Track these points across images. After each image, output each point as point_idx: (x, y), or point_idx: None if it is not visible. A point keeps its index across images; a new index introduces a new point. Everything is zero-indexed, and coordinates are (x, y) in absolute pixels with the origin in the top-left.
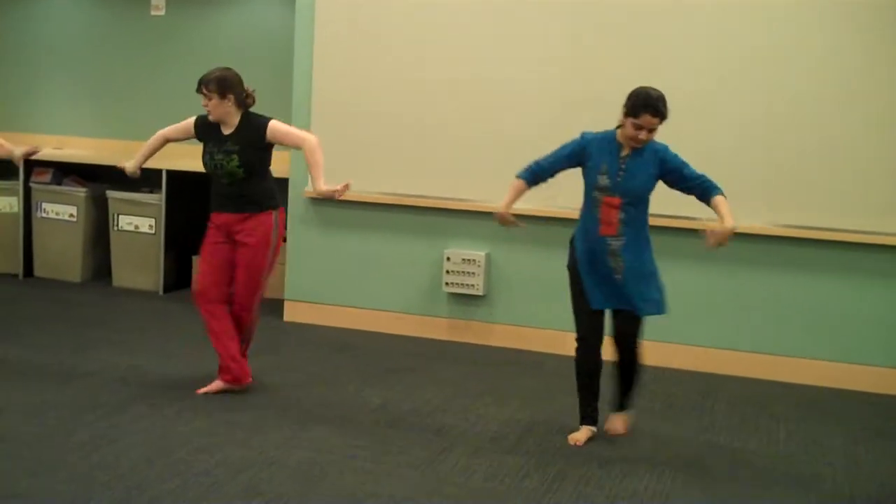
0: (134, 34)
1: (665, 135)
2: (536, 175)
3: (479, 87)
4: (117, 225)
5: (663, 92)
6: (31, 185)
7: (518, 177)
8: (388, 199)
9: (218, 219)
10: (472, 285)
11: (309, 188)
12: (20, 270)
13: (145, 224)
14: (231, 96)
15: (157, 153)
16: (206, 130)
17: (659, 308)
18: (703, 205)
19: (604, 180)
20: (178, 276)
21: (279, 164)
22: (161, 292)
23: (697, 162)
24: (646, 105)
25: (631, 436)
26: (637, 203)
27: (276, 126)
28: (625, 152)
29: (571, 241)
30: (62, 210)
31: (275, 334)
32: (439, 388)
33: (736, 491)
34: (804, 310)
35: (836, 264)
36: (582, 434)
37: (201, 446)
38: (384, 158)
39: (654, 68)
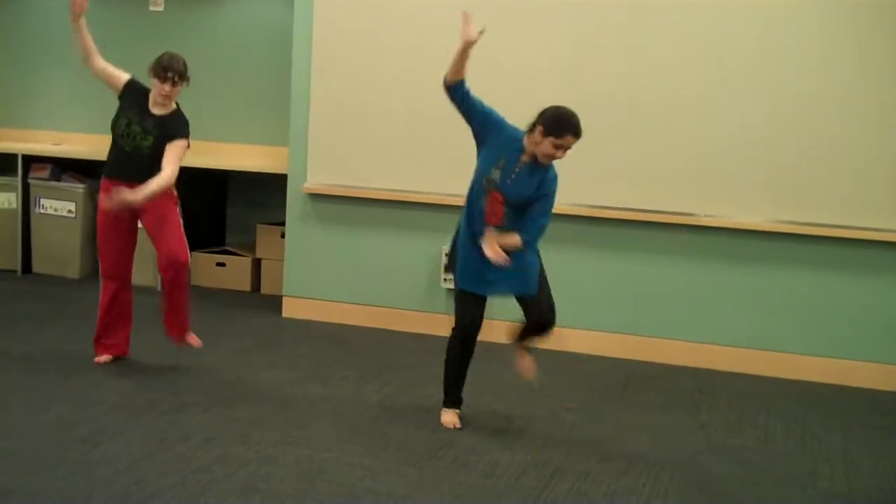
0: (133, 30)
1: (667, 134)
2: (459, 91)
3: (478, 84)
4: None
5: (665, 91)
6: (30, 180)
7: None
8: (387, 195)
9: (112, 185)
10: None
11: (308, 184)
12: (18, 266)
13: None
14: (184, 84)
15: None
16: (134, 97)
17: (532, 289)
18: (699, 200)
19: (495, 174)
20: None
21: (277, 161)
22: (159, 288)
23: (699, 160)
24: (570, 127)
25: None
26: (519, 210)
27: (176, 143)
28: (525, 158)
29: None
30: (60, 206)
31: (273, 330)
32: (438, 384)
33: (733, 488)
34: (802, 306)
35: (836, 261)
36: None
37: (200, 442)
38: (383, 154)
39: (655, 68)
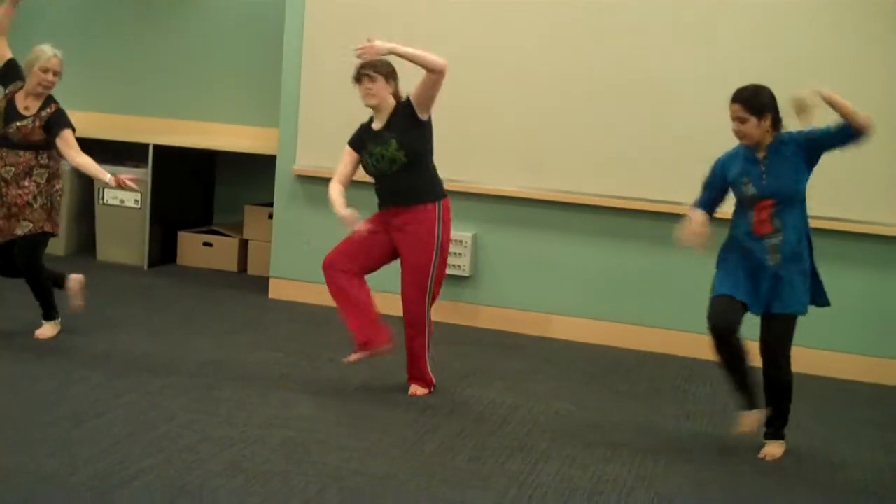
0: (123, 8)
1: (655, 122)
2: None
3: (469, 67)
4: (102, 199)
5: (654, 79)
6: None
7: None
8: None
9: (376, 216)
10: (459, 266)
11: (297, 165)
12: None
13: (131, 198)
14: (393, 83)
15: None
16: (361, 140)
17: (802, 307)
18: (687, 188)
19: (750, 189)
20: (162, 251)
21: (266, 141)
22: (146, 267)
23: (692, 149)
24: (732, 97)
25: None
26: (789, 202)
27: (413, 90)
28: (761, 154)
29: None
30: None
31: (259, 312)
32: None
33: (718, 475)
34: None
35: (825, 252)
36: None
37: (185, 422)
38: None
39: (643, 55)
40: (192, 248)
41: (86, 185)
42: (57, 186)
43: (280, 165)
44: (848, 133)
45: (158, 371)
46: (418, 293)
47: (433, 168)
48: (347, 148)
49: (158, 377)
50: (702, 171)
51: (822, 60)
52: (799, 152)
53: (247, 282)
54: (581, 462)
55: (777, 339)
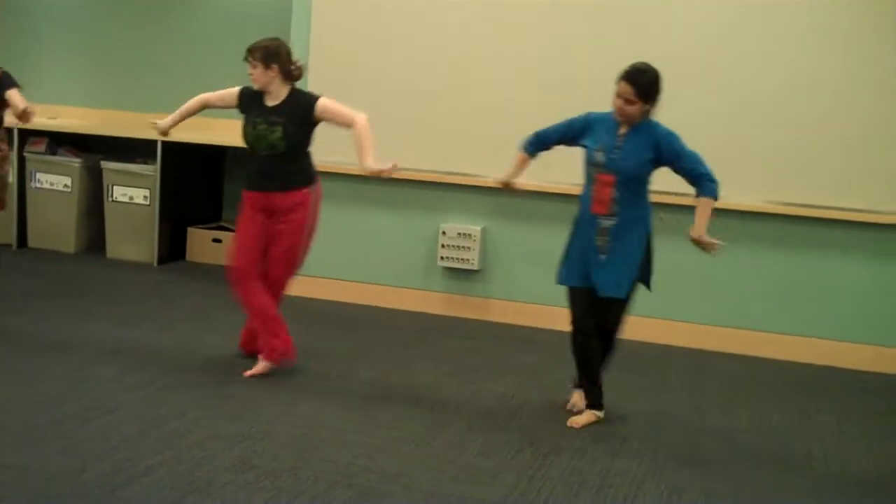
0: (130, 3)
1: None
2: (537, 144)
3: (477, 62)
4: (112, 196)
5: (658, 68)
6: (25, 154)
7: (520, 149)
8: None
9: (252, 197)
10: (468, 260)
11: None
12: (14, 241)
13: (140, 195)
14: (275, 66)
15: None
16: (249, 101)
17: (618, 290)
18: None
19: (600, 156)
20: (172, 248)
21: None
22: (155, 264)
23: (695, 141)
24: (623, 72)
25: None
26: (629, 183)
27: (326, 103)
28: (622, 130)
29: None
30: (56, 180)
31: None
32: (433, 362)
33: (727, 468)
34: (797, 287)
35: (830, 242)
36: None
37: (194, 419)
38: (380, 132)
39: (648, 47)
40: (202, 244)
41: (95, 182)
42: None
43: None
44: (695, 187)
45: (168, 367)
46: (288, 270)
47: (309, 155)
48: (237, 90)
49: (168, 374)
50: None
51: (823, 52)
52: (650, 148)
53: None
54: (590, 455)
55: (613, 323)
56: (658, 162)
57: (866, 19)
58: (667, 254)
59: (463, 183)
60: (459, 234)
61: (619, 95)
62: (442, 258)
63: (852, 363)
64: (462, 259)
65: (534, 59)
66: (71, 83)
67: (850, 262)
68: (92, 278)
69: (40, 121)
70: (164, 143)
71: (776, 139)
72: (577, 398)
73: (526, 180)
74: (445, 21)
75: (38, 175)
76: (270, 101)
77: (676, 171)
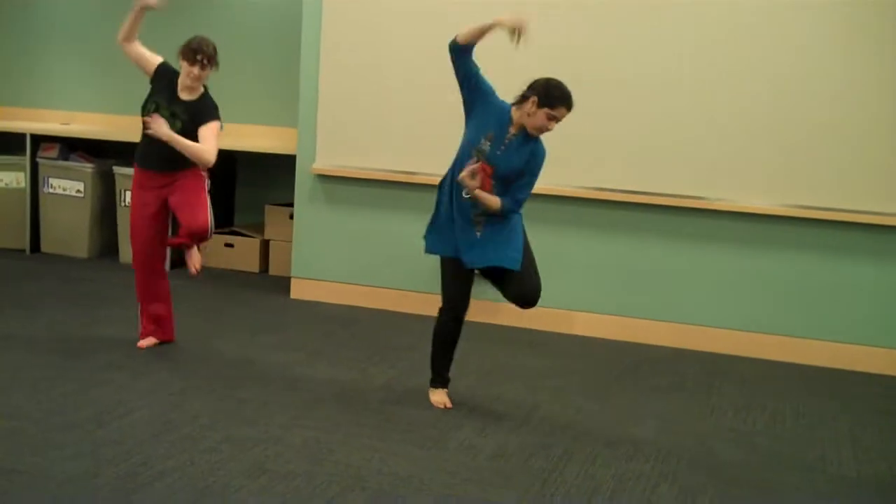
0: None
1: (673, 117)
2: (460, 51)
3: (484, 67)
4: (124, 201)
5: (666, 69)
6: (38, 160)
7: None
8: (396, 177)
9: (144, 176)
10: None
11: (316, 165)
12: (27, 246)
13: None
14: (215, 69)
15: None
16: (164, 80)
17: (515, 263)
18: (709, 184)
19: (485, 145)
20: (184, 253)
21: (286, 141)
22: (168, 269)
23: (708, 145)
24: (564, 98)
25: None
26: (505, 184)
27: (203, 131)
28: (513, 131)
29: (440, 186)
30: (69, 186)
31: (281, 311)
32: None
33: (742, 473)
34: (812, 290)
35: (846, 245)
36: (442, 396)
37: (208, 423)
38: (392, 135)
39: (657, 49)
40: (214, 249)
41: (108, 187)
42: None
43: (300, 165)
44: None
45: (181, 372)
46: (203, 214)
47: None
48: (155, 61)
49: (181, 378)
50: (721, 165)
51: (827, 51)
52: (529, 156)
53: (268, 282)
54: (604, 459)
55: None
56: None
57: (875, 21)
58: (682, 258)
59: None
60: None
61: (555, 119)
62: None
63: (867, 366)
64: None
65: (543, 62)
66: (83, 89)
67: (863, 264)
68: (105, 283)
69: (53, 126)
70: None
71: (788, 142)
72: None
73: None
74: (452, 26)
75: (51, 180)
76: (184, 95)
77: (515, 179)
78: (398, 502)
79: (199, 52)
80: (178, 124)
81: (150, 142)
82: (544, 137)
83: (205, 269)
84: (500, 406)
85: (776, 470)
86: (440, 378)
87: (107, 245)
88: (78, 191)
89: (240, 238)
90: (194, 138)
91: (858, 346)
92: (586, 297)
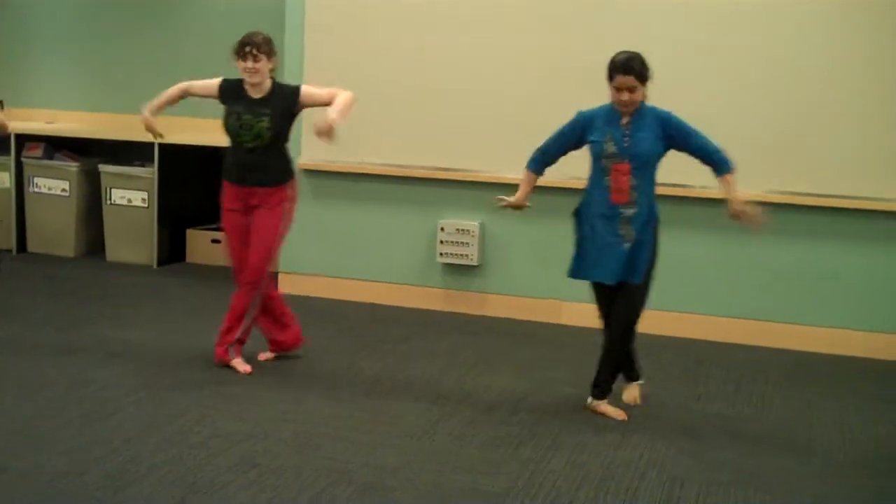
0: (126, 6)
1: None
2: (543, 162)
3: (474, 57)
4: (110, 199)
5: (658, 61)
6: (23, 159)
7: (528, 168)
8: (383, 170)
9: (232, 190)
10: (467, 255)
11: (302, 160)
12: (13, 246)
13: (138, 198)
14: (274, 58)
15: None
16: (232, 93)
17: (637, 276)
18: (696, 172)
19: (611, 147)
20: (171, 250)
21: None
22: (155, 266)
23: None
24: (615, 67)
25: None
26: (644, 167)
27: (307, 88)
28: (625, 120)
29: (576, 215)
30: (54, 185)
31: None
32: (433, 358)
33: (730, 458)
34: (797, 276)
35: (831, 230)
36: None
37: (195, 419)
38: (378, 129)
39: (651, 34)
40: (201, 245)
41: (94, 186)
42: None
43: None
44: (711, 167)
45: (169, 369)
46: (267, 254)
47: (287, 149)
48: (218, 81)
49: (169, 375)
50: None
51: (826, 42)
52: (658, 128)
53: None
54: (592, 448)
55: (632, 310)
56: (667, 141)
57: (872, 7)
58: (667, 245)
59: (461, 179)
60: (458, 229)
61: (620, 89)
62: (441, 254)
63: (855, 350)
64: (461, 255)
65: (528, 52)
66: (67, 87)
67: (852, 249)
68: (92, 281)
69: (37, 125)
70: (161, 145)
71: (780, 129)
72: (609, 409)
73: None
74: (440, 17)
75: (36, 180)
76: (256, 94)
77: (687, 149)
78: (387, 495)
79: (247, 45)
80: (265, 121)
81: (247, 155)
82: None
83: (192, 266)
84: (488, 396)
85: (764, 456)
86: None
87: (93, 243)
88: (63, 190)
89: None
90: (285, 128)
91: (845, 331)
92: (573, 287)
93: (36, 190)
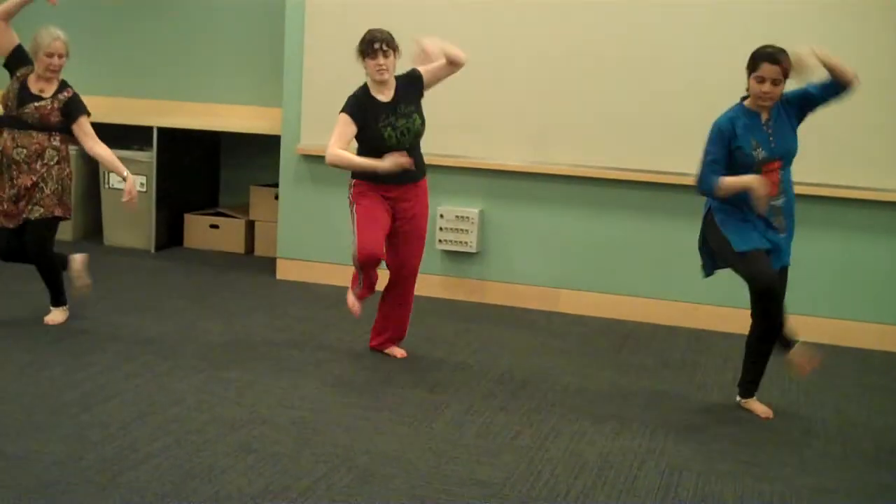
0: None
1: (658, 93)
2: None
3: (473, 43)
4: (108, 183)
5: (653, 47)
6: None
7: (712, 186)
8: None
9: (384, 191)
10: (466, 242)
11: (302, 145)
12: None
13: (136, 182)
14: (399, 51)
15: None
16: (366, 111)
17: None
18: (694, 161)
19: (760, 154)
20: (169, 234)
21: (271, 121)
22: (153, 250)
23: (694, 117)
24: (763, 56)
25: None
26: (790, 158)
27: (425, 67)
28: (765, 117)
29: (708, 210)
30: None
31: (267, 292)
32: (432, 345)
33: (728, 448)
34: (796, 266)
35: (829, 221)
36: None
37: (193, 404)
38: None
39: (647, 30)
40: (199, 230)
41: (92, 169)
42: (67, 170)
43: (285, 145)
44: (837, 88)
45: (166, 354)
46: (420, 256)
47: None
48: (347, 118)
49: (167, 360)
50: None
51: (824, 28)
52: (791, 111)
53: (254, 263)
54: (590, 436)
55: (783, 292)
56: (799, 118)
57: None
58: (667, 234)
59: (460, 165)
60: (457, 216)
61: (764, 79)
62: (440, 241)
63: (854, 341)
64: (460, 242)
65: (528, 40)
66: (66, 71)
67: (851, 240)
68: (89, 266)
69: None
70: (159, 129)
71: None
72: (758, 406)
73: (522, 163)
74: (441, 3)
75: None
76: (387, 95)
77: (813, 99)
78: (385, 481)
79: (377, 41)
80: (417, 118)
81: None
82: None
83: (190, 251)
84: (486, 384)
85: (762, 445)
86: (751, 385)
87: (91, 227)
88: None
89: (225, 219)
90: (420, 112)
91: (843, 322)
92: (572, 275)
93: None
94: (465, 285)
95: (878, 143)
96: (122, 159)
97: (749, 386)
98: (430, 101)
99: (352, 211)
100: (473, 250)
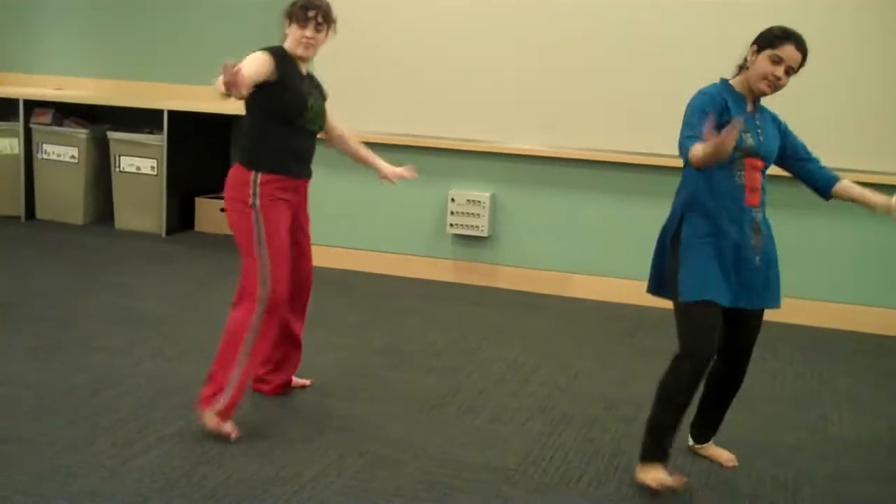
0: None
1: (665, 78)
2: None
3: (485, 27)
4: (119, 166)
5: (652, 31)
6: (32, 126)
7: (692, 148)
8: (393, 140)
9: (288, 184)
10: (477, 226)
11: None
12: (22, 212)
13: (147, 165)
14: (333, 28)
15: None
16: (287, 66)
17: (776, 298)
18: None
19: (749, 139)
20: (180, 218)
21: None
22: (163, 234)
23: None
24: (787, 35)
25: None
26: (768, 166)
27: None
28: (750, 108)
29: (680, 218)
30: (63, 151)
31: None
32: (443, 329)
33: (742, 433)
34: (810, 251)
35: (849, 207)
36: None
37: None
38: (389, 99)
39: (659, 15)
40: (210, 214)
41: (102, 153)
42: None
43: None
44: (824, 190)
45: (177, 338)
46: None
47: None
48: (268, 59)
49: (177, 344)
50: None
51: (826, 17)
52: (776, 128)
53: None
54: (603, 422)
55: (754, 338)
56: (780, 144)
57: None
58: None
59: (472, 149)
60: (469, 200)
61: (781, 61)
62: (451, 225)
63: (868, 327)
64: (471, 226)
65: (544, 25)
66: (76, 54)
67: (866, 225)
68: (100, 249)
69: (46, 91)
70: (170, 112)
71: (784, 103)
72: (717, 451)
73: (534, 147)
74: None
75: (45, 146)
76: (304, 70)
77: (792, 159)
78: (396, 467)
79: (311, 8)
80: (320, 101)
81: (303, 142)
82: None
83: (200, 235)
84: (498, 369)
85: (775, 431)
86: (661, 449)
87: (102, 211)
88: (72, 156)
89: None
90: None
91: (858, 307)
92: (584, 260)
93: (45, 156)
94: (476, 269)
95: (868, 125)
96: (132, 143)
97: (703, 430)
98: (442, 84)
99: (254, 221)
100: (485, 234)
